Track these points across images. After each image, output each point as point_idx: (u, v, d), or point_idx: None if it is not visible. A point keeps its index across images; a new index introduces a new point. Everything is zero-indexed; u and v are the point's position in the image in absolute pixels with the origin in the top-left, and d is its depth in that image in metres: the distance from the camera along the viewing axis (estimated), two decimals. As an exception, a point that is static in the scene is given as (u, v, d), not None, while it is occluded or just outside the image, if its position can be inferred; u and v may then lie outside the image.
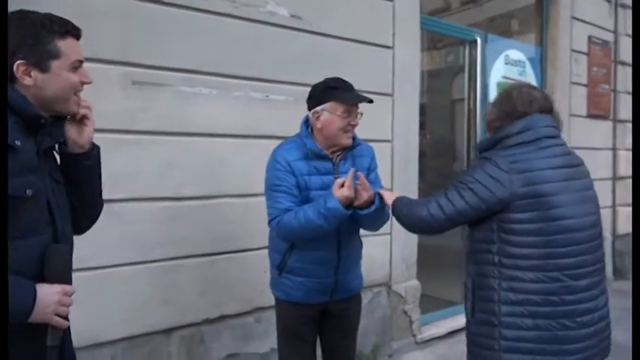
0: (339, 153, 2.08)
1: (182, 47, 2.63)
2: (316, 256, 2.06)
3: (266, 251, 2.91)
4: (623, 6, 5.78)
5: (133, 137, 2.52)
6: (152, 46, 2.54)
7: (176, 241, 2.66)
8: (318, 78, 3.16)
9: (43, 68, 1.26)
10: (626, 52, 5.89)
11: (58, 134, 1.34)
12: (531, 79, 4.92)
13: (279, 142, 2.96)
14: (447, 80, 5.49)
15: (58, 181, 1.35)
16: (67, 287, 1.28)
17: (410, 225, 1.92)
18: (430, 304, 4.12)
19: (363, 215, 2.00)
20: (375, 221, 2.10)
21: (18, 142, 1.20)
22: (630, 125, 6.11)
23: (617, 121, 5.86)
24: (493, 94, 4.52)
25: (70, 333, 1.38)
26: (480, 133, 4.39)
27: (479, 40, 4.31)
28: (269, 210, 2.06)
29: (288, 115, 3.03)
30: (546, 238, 1.65)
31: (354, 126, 2.06)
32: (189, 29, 2.66)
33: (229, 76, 2.81)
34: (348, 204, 1.92)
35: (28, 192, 1.21)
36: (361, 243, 2.26)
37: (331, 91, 2.03)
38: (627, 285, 5.66)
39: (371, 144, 2.83)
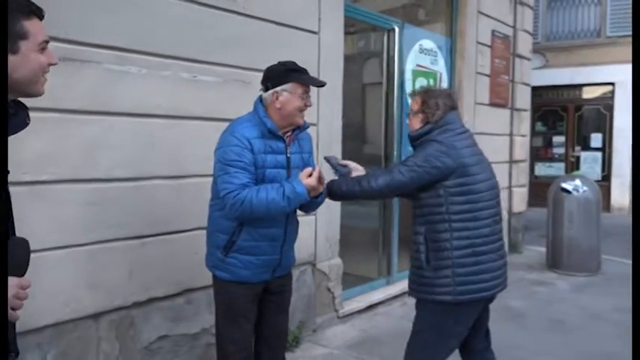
0: (289, 134, 2.22)
1: (110, 23, 2.54)
2: (268, 233, 2.16)
3: (196, 233, 2.94)
4: (522, 3, 6.31)
5: (57, 116, 2.41)
6: (78, 22, 2.43)
7: (104, 223, 2.59)
8: (246, 60, 3.21)
9: (13, 50, 1.21)
10: (523, 46, 6.45)
11: (19, 124, 1.30)
12: (442, 68, 5.25)
13: (208, 123, 3.01)
14: (360, 65, 5.67)
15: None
16: (24, 281, 1.25)
17: (370, 195, 2.37)
18: (350, 280, 4.33)
19: (312, 202, 2.19)
20: (316, 207, 2.33)
21: None
22: (525, 114, 6.73)
23: (514, 110, 6.42)
24: (408, 81, 4.78)
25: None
26: (396, 117, 4.63)
27: (397, 29, 4.53)
28: (223, 185, 2.08)
29: (216, 96, 3.04)
30: (475, 196, 2.23)
31: (308, 106, 2.20)
32: (118, 5, 2.56)
33: (158, 55, 2.75)
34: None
35: None
36: (298, 222, 2.37)
37: (293, 73, 2.16)
38: (519, 258, 6.32)
39: (309, 130, 2.92)
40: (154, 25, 2.71)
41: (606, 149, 11.12)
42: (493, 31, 5.81)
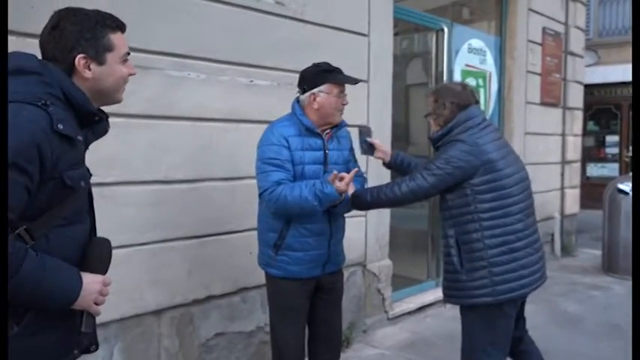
0: (328, 131, 2.28)
1: (171, 32, 2.64)
2: (314, 228, 2.22)
3: (251, 233, 3.00)
4: (574, 0, 6.13)
5: (123, 120, 2.51)
6: (141, 30, 2.53)
7: (165, 223, 2.69)
8: (300, 64, 3.24)
9: (100, 61, 1.31)
10: (575, 43, 6.27)
11: (100, 131, 1.40)
12: (491, 67, 5.17)
13: (263, 126, 3.02)
14: (404, 66, 5.64)
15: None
16: (106, 279, 1.34)
17: (395, 203, 2.33)
18: (400, 282, 4.32)
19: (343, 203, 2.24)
20: (347, 208, 2.36)
21: (80, 137, 1.26)
22: (578, 113, 6.54)
23: (567, 109, 6.24)
24: (458, 80, 4.73)
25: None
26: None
27: (446, 29, 4.49)
28: (261, 183, 2.17)
29: (271, 100, 3.10)
30: (505, 192, 2.16)
31: (344, 105, 2.27)
32: (178, 14, 2.67)
33: (216, 60, 2.84)
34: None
35: (82, 183, 1.27)
36: (344, 219, 2.43)
37: (327, 74, 2.24)
38: (573, 261, 6.14)
39: (349, 129, 2.97)
40: (211, 32, 2.80)
41: (664, 149, 10.62)
42: (544, 29, 5.67)
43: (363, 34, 3.65)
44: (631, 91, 10.94)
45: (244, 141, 3.00)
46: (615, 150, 11.10)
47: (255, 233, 2.81)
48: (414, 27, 4.74)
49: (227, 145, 2.93)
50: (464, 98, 2.31)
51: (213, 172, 2.88)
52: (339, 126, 2.31)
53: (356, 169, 2.21)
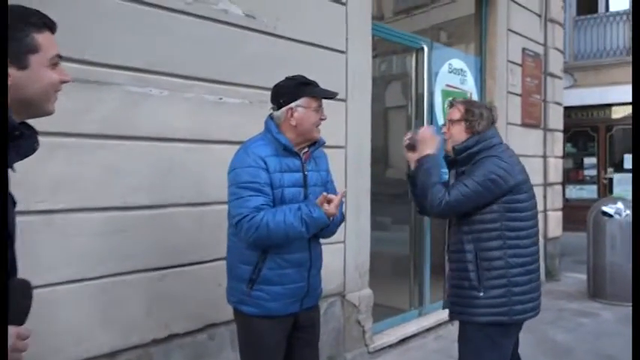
0: (305, 150, 2.10)
1: (130, 44, 2.41)
2: (293, 258, 2.01)
3: (219, 263, 2.75)
4: (552, 21, 6.10)
5: (74, 140, 2.27)
6: (97, 42, 2.31)
7: (121, 255, 2.42)
8: (273, 81, 3.02)
9: (22, 65, 1.09)
10: (554, 64, 6.23)
11: (26, 150, 1.16)
12: (472, 88, 5.05)
13: (233, 147, 2.82)
14: (382, 88, 5.51)
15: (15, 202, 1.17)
16: (23, 330, 1.08)
17: (427, 204, 2.21)
18: (380, 311, 4.08)
19: (329, 227, 2.08)
20: (332, 233, 2.20)
21: None
22: (558, 134, 6.47)
23: (547, 130, 6.16)
24: (438, 101, 4.59)
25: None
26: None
27: (426, 48, 4.36)
28: (236, 209, 1.94)
29: (242, 118, 2.88)
30: (527, 214, 2.17)
31: (323, 120, 2.09)
32: (139, 25, 2.45)
33: (181, 76, 2.61)
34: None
35: None
36: (321, 246, 2.22)
37: (304, 87, 2.06)
38: (557, 286, 5.97)
39: (326, 150, 2.77)
40: (176, 45, 2.59)
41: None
42: (524, 49, 5.61)
43: (341, 51, 3.48)
44: (607, 113, 11.06)
45: (212, 163, 2.77)
46: (593, 172, 11.15)
47: (224, 263, 2.59)
48: (393, 48, 4.60)
49: (193, 168, 2.69)
50: (494, 115, 2.32)
51: (177, 197, 2.64)
52: (317, 144, 2.12)
53: (344, 190, 2.07)
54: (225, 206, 2.78)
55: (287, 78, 2.12)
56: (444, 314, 4.53)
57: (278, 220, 1.87)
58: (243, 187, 1.94)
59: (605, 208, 5.19)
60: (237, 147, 2.83)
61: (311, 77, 3.31)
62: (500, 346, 2.18)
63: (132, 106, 2.43)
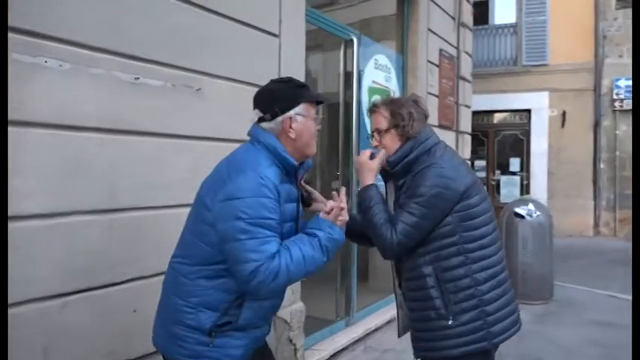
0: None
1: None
2: (273, 305, 1.66)
3: (135, 285, 2.23)
4: (463, 25, 6.19)
5: None
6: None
7: (9, 280, 1.80)
8: (201, 61, 2.57)
9: None
10: (465, 68, 6.32)
11: None
12: (394, 86, 4.89)
13: (150, 140, 2.32)
14: (315, 80, 5.16)
15: None
16: None
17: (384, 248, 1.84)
18: (308, 324, 3.71)
19: None
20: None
21: None
22: (468, 137, 6.59)
23: (459, 132, 6.23)
24: (365, 99, 4.33)
25: None
26: (355, 138, 4.13)
27: (355, 40, 4.08)
28: (251, 254, 1.46)
29: (163, 104, 2.37)
30: (483, 218, 1.84)
31: (318, 130, 1.72)
32: (31, -28, 1.84)
33: (86, 46, 2.04)
34: None
35: None
36: None
37: (302, 90, 1.66)
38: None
39: None
40: (81, 4, 2.01)
41: (524, 173, 11.51)
42: (440, 51, 5.59)
43: (274, 34, 3.06)
44: (496, 119, 11.73)
45: (126, 159, 2.22)
46: (483, 174, 11.77)
47: (141, 284, 2.12)
48: (321, 39, 4.26)
49: (102, 165, 2.12)
50: (424, 108, 1.94)
51: (80, 201, 2.05)
52: (305, 164, 1.71)
53: (343, 188, 1.69)
54: (140, 213, 2.28)
55: (277, 80, 1.74)
56: (372, 323, 4.35)
57: (297, 259, 1.50)
58: (261, 224, 1.47)
59: (517, 210, 5.31)
60: (155, 140, 2.34)
61: (244, 61, 2.87)
62: None
63: (21, 82, 1.82)
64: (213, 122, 2.63)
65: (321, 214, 1.60)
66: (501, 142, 11.85)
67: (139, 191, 2.28)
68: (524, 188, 11.43)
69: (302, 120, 1.61)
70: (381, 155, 1.87)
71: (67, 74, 1.96)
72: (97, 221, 2.12)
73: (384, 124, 1.88)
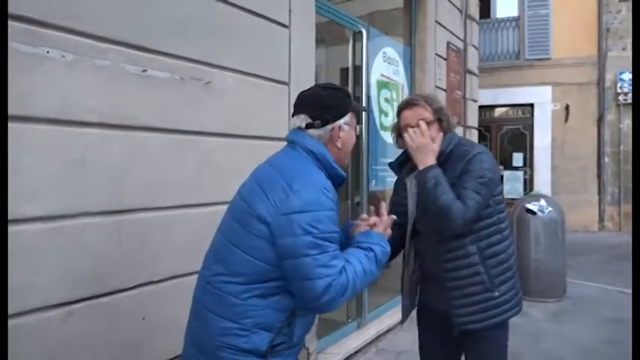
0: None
1: (17, -20, 1.66)
2: (314, 318, 1.63)
3: (144, 290, 2.10)
4: (470, 18, 6.05)
5: None
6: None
7: (10, 289, 1.66)
8: (210, 52, 2.42)
9: None
10: (472, 61, 6.19)
11: None
12: (403, 79, 4.75)
13: (159, 136, 2.18)
14: (324, 73, 5.01)
15: None
16: None
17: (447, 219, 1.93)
18: (321, 326, 3.59)
19: None
20: None
21: None
22: (475, 132, 6.46)
23: (466, 127, 6.10)
24: (374, 93, 4.20)
25: None
26: (364, 132, 3.99)
27: (364, 32, 3.94)
28: (324, 270, 1.37)
29: (171, 98, 2.24)
30: (504, 204, 2.08)
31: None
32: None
33: (91, 35, 1.90)
34: None
35: None
36: None
37: (349, 99, 1.63)
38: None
39: (266, 142, 2.26)
40: (84, -9, 1.87)
41: (527, 168, 11.39)
42: (448, 44, 5.45)
43: (284, 25, 2.92)
44: (499, 114, 11.61)
45: (132, 156, 2.09)
46: (486, 169, 11.67)
47: (150, 290, 2.01)
48: (330, 31, 4.11)
49: (107, 163, 1.99)
50: None
51: (85, 203, 1.91)
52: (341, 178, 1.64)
53: (383, 203, 1.71)
54: (149, 214, 2.14)
55: (325, 87, 1.63)
56: (384, 324, 4.22)
57: (359, 272, 1.45)
58: (329, 239, 1.40)
59: (529, 206, 5.18)
60: (164, 135, 2.20)
61: (254, 53, 2.73)
62: (507, 346, 2.10)
63: (19, 72, 1.68)
64: (223, 117, 2.50)
65: (373, 229, 1.58)
66: (504, 137, 11.74)
67: (146, 191, 2.14)
68: (528, 183, 11.33)
69: (348, 129, 1.59)
70: (439, 139, 1.96)
71: (70, 66, 1.82)
72: (103, 223, 1.98)
73: (429, 116, 1.97)
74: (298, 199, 1.37)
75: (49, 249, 1.79)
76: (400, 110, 2.04)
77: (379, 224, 1.59)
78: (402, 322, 2.20)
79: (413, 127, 1.94)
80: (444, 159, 1.95)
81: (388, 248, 1.56)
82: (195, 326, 1.50)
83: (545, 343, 4.03)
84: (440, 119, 1.98)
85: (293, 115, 1.58)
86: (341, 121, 1.55)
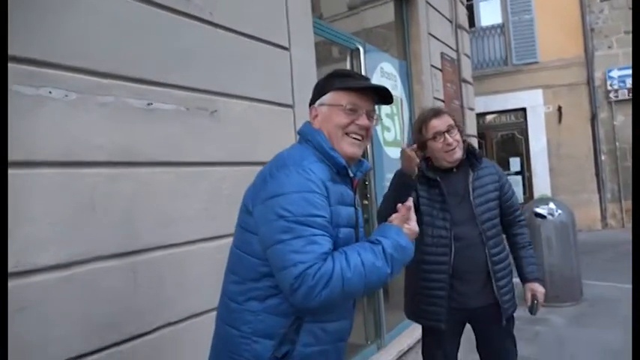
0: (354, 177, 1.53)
1: (22, 26, 1.59)
2: (338, 329, 1.41)
3: (162, 333, 2.00)
4: (460, 27, 6.05)
5: None
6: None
7: (21, 344, 1.56)
8: (216, 81, 2.35)
9: None
10: (466, 70, 6.18)
11: None
12: (401, 93, 4.72)
13: (168, 170, 2.10)
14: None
15: None
16: None
17: None
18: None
19: None
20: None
21: None
22: (474, 140, 6.42)
23: (466, 136, 6.05)
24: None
25: None
26: (374, 147, 3.94)
27: (361, 50, 3.91)
28: (295, 257, 1.24)
29: (177, 130, 2.16)
30: None
31: (361, 127, 1.46)
32: (34, 1, 1.64)
33: (95, 72, 1.82)
34: None
35: None
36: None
37: (333, 79, 1.53)
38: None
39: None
40: (86, 29, 1.80)
41: (525, 172, 11.38)
42: (442, 54, 5.43)
43: (284, 47, 2.87)
44: (492, 120, 11.63)
45: (141, 193, 2.00)
46: (484, 176, 11.65)
47: (169, 332, 1.98)
48: (328, 50, 4.08)
49: (117, 203, 1.90)
50: None
51: (97, 246, 1.82)
52: (362, 167, 1.54)
53: (410, 199, 1.50)
54: (164, 252, 2.06)
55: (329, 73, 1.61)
56: (404, 344, 4.10)
57: (355, 265, 1.26)
58: (307, 222, 1.27)
59: (538, 210, 5.13)
60: (172, 169, 2.12)
61: (257, 77, 2.68)
62: None
63: (24, 115, 1.60)
64: (230, 145, 2.42)
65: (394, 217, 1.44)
66: (500, 143, 11.75)
67: (159, 228, 2.05)
68: (527, 187, 11.31)
69: (325, 110, 1.48)
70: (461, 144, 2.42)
71: (74, 105, 1.75)
72: (118, 266, 1.88)
73: (452, 122, 2.31)
74: (273, 184, 1.31)
75: (63, 299, 1.69)
76: (426, 120, 2.25)
77: (394, 217, 1.44)
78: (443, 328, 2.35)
79: (444, 132, 2.23)
80: (462, 162, 2.35)
81: (404, 241, 1.37)
82: (214, 343, 1.48)
83: (570, 349, 3.94)
84: (459, 127, 2.32)
85: None
86: (318, 102, 1.52)
